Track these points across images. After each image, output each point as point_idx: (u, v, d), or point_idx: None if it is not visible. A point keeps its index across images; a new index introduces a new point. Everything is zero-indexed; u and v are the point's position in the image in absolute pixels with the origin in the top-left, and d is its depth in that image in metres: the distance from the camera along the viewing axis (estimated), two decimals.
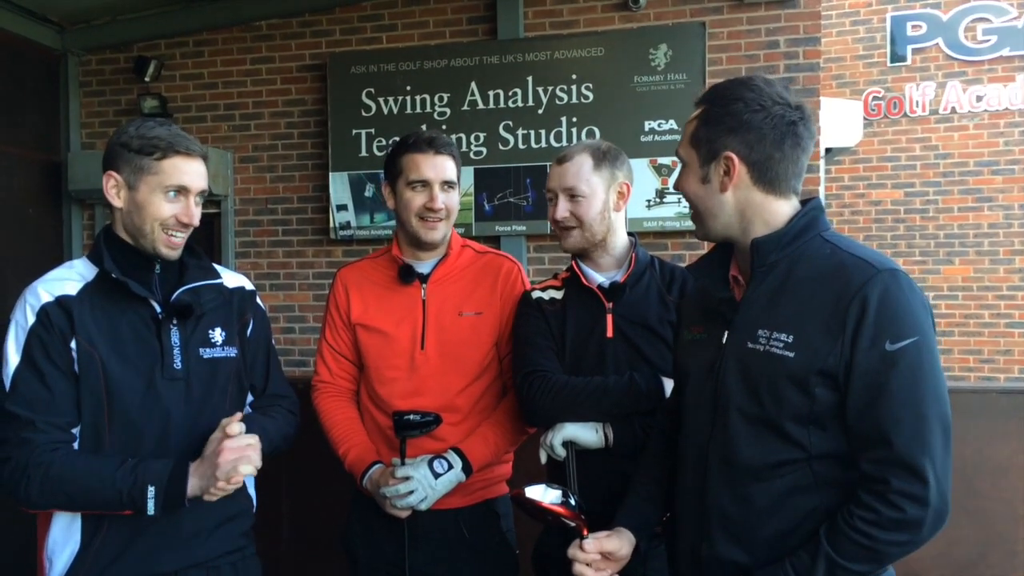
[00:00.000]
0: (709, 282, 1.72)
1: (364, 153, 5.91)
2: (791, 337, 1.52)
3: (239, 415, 1.88)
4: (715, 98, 1.65)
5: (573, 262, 2.28)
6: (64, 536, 1.87)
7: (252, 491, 2.09)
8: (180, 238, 1.96)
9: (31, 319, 1.83)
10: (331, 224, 5.99)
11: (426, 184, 2.24)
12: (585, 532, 1.73)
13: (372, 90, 5.91)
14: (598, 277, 2.22)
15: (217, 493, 1.82)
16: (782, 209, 1.63)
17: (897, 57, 8.30)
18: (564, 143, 5.60)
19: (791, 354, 1.51)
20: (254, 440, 1.85)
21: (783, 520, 1.54)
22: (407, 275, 2.31)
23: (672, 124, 5.46)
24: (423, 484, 2.12)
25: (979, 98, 8.06)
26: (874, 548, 1.46)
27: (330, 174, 5.97)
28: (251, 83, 6.22)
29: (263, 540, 2.21)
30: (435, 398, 2.25)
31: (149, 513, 1.79)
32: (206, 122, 6.29)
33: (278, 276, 6.18)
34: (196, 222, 1.96)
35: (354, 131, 5.93)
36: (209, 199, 5.99)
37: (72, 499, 1.82)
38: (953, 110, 8.14)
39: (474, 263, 2.40)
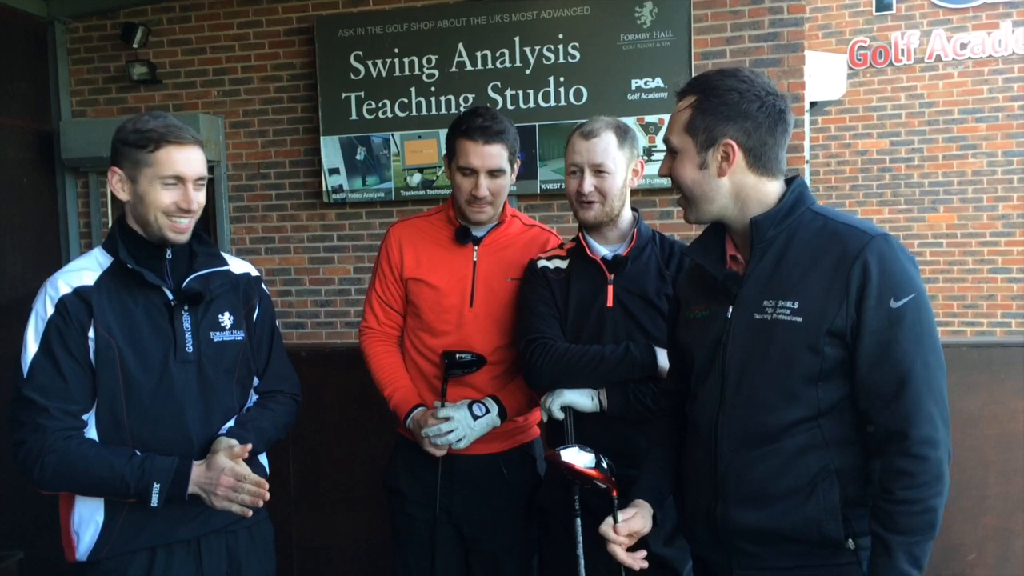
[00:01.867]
0: (708, 263, 1.83)
1: (354, 116, 5.95)
2: (796, 303, 1.66)
3: (249, 447, 1.99)
4: (708, 89, 1.75)
5: (580, 234, 2.39)
6: (89, 512, 2.00)
7: (264, 461, 2.21)
8: (185, 223, 2.05)
9: (50, 310, 1.94)
10: (324, 188, 6.05)
11: (474, 172, 2.34)
12: (615, 493, 1.84)
13: (360, 53, 5.93)
14: (602, 249, 2.34)
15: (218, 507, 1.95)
16: (773, 189, 1.76)
17: (882, 6, 8.31)
18: (552, 103, 5.66)
19: (799, 319, 1.65)
20: (247, 482, 1.94)
21: (794, 478, 1.68)
22: (463, 236, 2.45)
23: (659, 82, 5.51)
24: (463, 424, 2.28)
25: (963, 46, 8.09)
26: (925, 508, 1.62)
27: (321, 138, 6.01)
28: (239, 48, 6.22)
29: (272, 502, 2.34)
30: (478, 352, 2.40)
31: (152, 505, 1.93)
32: (195, 87, 6.30)
33: (273, 240, 6.26)
34: (195, 207, 2.05)
35: (343, 94, 5.96)
36: None
37: (82, 485, 1.96)
38: (938, 58, 8.17)
39: (523, 234, 2.55)
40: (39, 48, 6.40)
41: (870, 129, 8.45)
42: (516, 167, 2.45)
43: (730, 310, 1.75)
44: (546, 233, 2.58)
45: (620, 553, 1.83)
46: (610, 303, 2.28)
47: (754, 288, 1.72)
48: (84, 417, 1.97)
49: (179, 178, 2.01)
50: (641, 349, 2.17)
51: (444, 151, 2.48)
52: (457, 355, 2.32)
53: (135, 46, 6.24)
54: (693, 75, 5.32)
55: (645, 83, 5.54)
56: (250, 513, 1.95)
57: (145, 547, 2.00)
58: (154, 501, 1.92)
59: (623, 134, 2.31)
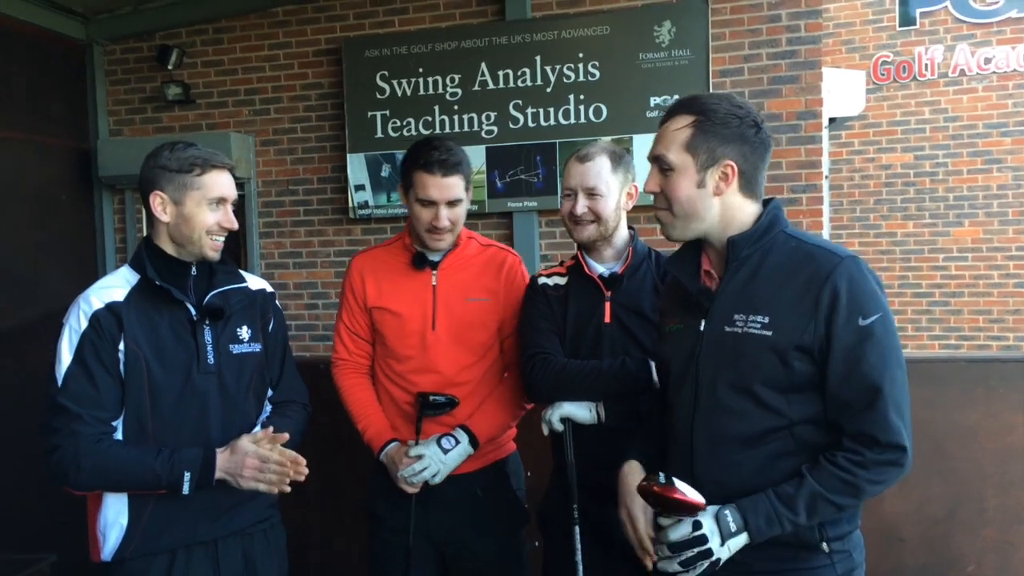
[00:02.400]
0: (684, 276, 1.92)
1: (380, 134, 6.11)
2: (767, 318, 1.75)
3: (270, 431, 2.13)
4: (707, 111, 1.83)
5: (578, 252, 2.48)
6: (114, 515, 2.14)
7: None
8: (221, 242, 2.22)
9: (84, 324, 2.08)
10: (350, 203, 6.21)
11: (433, 203, 2.42)
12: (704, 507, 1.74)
13: (386, 72, 6.09)
14: (599, 267, 2.44)
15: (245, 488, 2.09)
16: (753, 210, 1.86)
17: (906, 21, 8.33)
18: (572, 121, 5.77)
19: (769, 332, 1.74)
20: (271, 462, 2.08)
21: (768, 482, 1.75)
22: (420, 262, 2.53)
23: (677, 99, 5.60)
24: (434, 460, 2.37)
25: (987, 60, 8.08)
26: (855, 484, 1.69)
27: (348, 155, 6.18)
28: (269, 68, 6.42)
29: (291, 508, 2.46)
30: (444, 374, 2.49)
31: (184, 493, 2.06)
32: (227, 107, 6.51)
33: (300, 255, 6.43)
34: (235, 226, 2.22)
35: (369, 113, 6.13)
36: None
37: (117, 482, 2.11)
38: (962, 73, 8.17)
39: (480, 254, 2.61)
40: (78, 70, 6.65)
41: (894, 143, 8.45)
42: (470, 194, 2.52)
43: (703, 323, 1.84)
44: (503, 252, 2.64)
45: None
46: (607, 319, 2.37)
47: (726, 303, 1.81)
48: (113, 424, 2.11)
49: (222, 199, 2.18)
50: (637, 363, 2.26)
51: (401, 181, 2.55)
52: (431, 397, 2.39)
53: (170, 67, 6.47)
54: (711, 92, 5.49)
55: (664, 100, 5.64)
56: (275, 491, 2.08)
57: (166, 549, 2.12)
58: (186, 489, 2.05)
59: (617, 159, 2.39)
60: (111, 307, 2.11)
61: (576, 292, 2.43)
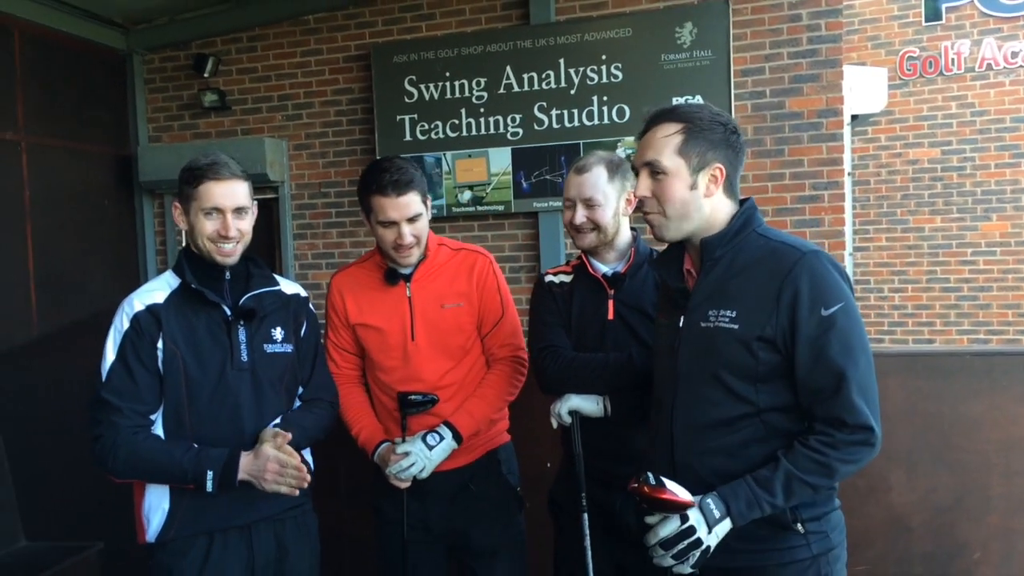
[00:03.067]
0: (667, 275, 2.04)
1: (408, 137, 6.28)
2: (734, 312, 1.86)
3: (289, 436, 2.26)
4: (693, 119, 1.92)
5: (582, 253, 2.60)
6: (157, 501, 2.30)
7: (309, 457, 2.48)
8: (228, 248, 2.31)
9: (126, 325, 2.25)
10: None
11: (394, 223, 2.49)
12: (694, 505, 1.83)
13: (414, 77, 6.25)
14: (603, 267, 2.56)
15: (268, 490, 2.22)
16: (731, 210, 1.96)
17: (932, 16, 8.32)
18: (596, 122, 5.89)
19: (736, 326, 1.85)
20: (289, 471, 2.22)
21: (741, 466, 1.85)
22: (392, 277, 2.62)
23: (699, 99, 5.68)
24: (420, 456, 2.49)
25: (1014, 54, 8.04)
26: (828, 464, 1.79)
27: (378, 158, 6.33)
28: (301, 74, 6.62)
29: (323, 498, 2.61)
30: (428, 380, 2.60)
31: (208, 490, 2.21)
32: (261, 113, 6.72)
33: (333, 255, 6.62)
34: (234, 233, 2.29)
35: (398, 117, 6.30)
36: (267, 185, 6.46)
37: (148, 473, 2.26)
38: (989, 67, 8.14)
39: (451, 260, 2.69)
40: (118, 79, 6.90)
41: (921, 138, 8.44)
42: (428, 205, 2.59)
43: (682, 319, 1.96)
44: (475, 254, 2.72)
45: None
46: (611, 316, 2.49)
47: (701, 300, 1.92)
48: (151, 417, 2.27)
49: (218, 209, 2.28)
50: (642, 357, 2.37)
51: (361, 207, 2.61)
52: (409, 396, 2.49)
53: (206, 75, 6.69)
54: (733, 92, 5.58)
55: (686, 100, 5.71)
56: (296, 493, 2.23)
57: (204, 531, 2.27)
58: (209, 487, 2.20)
59: (614, 168, 2.48)
60: (151, 309, 2.27)
61: (581, 290, 2.55)
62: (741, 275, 1.89)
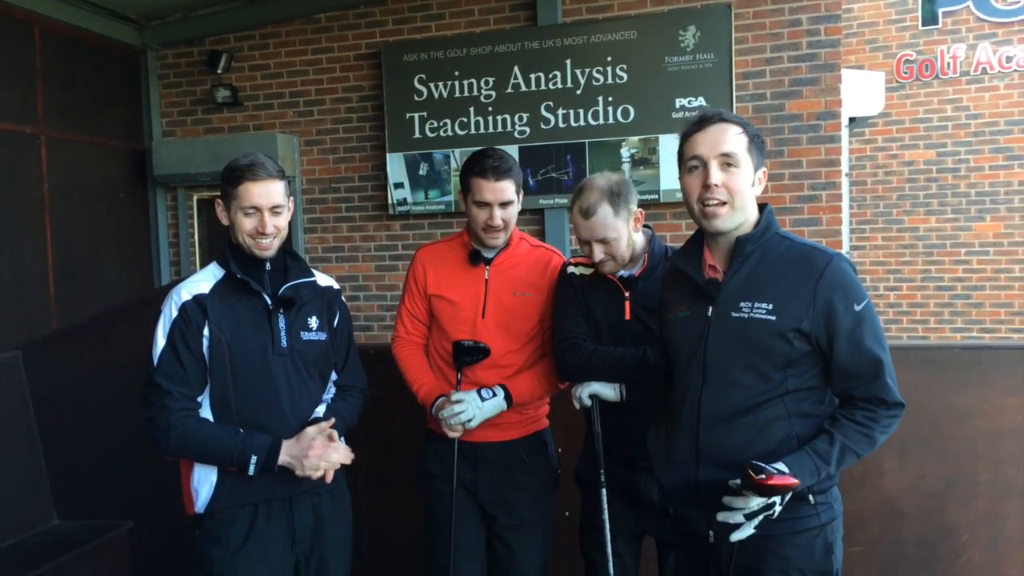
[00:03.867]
0: (691, 270, 2.21)
1: (418, 135, 6.44)
2: (771, 305, 2.04)
3: (332, 421, 2.47)
4: (748, 126, 2.15)
5: None
6: (205, 474, 2.46)
7: (342, 439, 2.65)
8: (267, 242, 2.48)
9: (175, 313, 2.42)
10: (389, 200, 6.54)
11: (488, 205, 2.72)
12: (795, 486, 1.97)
13: (423, 76, 6.40)
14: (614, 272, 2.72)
15: (304, 474, 2.39)
16: (757, 211, 2.14)
17: (928, 20, 8.49)
18: (601, 122, 6.05)
19: (773, 317, 2.03)
20: (340, 444, 2.43)
21: (764, 444, 2.04)
22: (475, 259, 2.84)
23: (702, 101, 5.87)
24: (472, 405, 2.68)
25: (1009, 58, 8.22)
26: (872, 436, 2.03)
27: (387, 154, 6.51)
28: (313, 72, 6.76)
29: (346, 475, 2.79)
30: (491, 357, 2.78)
31: (250, 474, 2.37)
32: (273, 109, 6.86)
33: (343, 249, 6.77)
34: (271, 230, 2.46)
35: (408, 114, 6.45)
36: None
37: (196, 454, 2.43)
38: (983, 71, 8.31)
39: (530, 254, 2.91)
40: (133, 74, 7.05)
41: (917, 140, 8.62)
42: (521, 196, 2.81)
43: (710, 310, 2.13)
44: (550, 253, 2.95)
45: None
46: (628, 316, 2.67)
47: (732, 292, 2.10)
48: (198, 399, 2.44)
49: (256, 208, 2.45)
50: (656, 355, 2.53)
51: (460, 188, 2.85)
52: (463, 343, 2.70)
53: (219, 71, 6.84)
54: (735, 95, 5.75)
55: (688, 102, 5.90)
56: (331, 477, 2.41)
57: (249, 503, 2.44)
58: (251, 471, 2.37)
59: (616, 200, 2.59)
60: (197, 299, 2.43)
61: (600, 287, 2.71)
62: (773, 272, 2.08)
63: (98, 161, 6.59)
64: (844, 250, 6.11)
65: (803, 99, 5.79)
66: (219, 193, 2.54)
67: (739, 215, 2.11)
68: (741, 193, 2.10)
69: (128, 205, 6.91)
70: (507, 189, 2.73)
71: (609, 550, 2.59)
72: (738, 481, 1.97)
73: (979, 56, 8.31)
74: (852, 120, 6.85)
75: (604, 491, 2.61)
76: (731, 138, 2.10)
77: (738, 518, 1.96)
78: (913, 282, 8.75)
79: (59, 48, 6.16)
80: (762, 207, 2.17)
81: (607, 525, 2.58)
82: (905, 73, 8.55)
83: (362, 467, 3.62)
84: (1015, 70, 8.21)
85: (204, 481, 2.45)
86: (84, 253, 6.33)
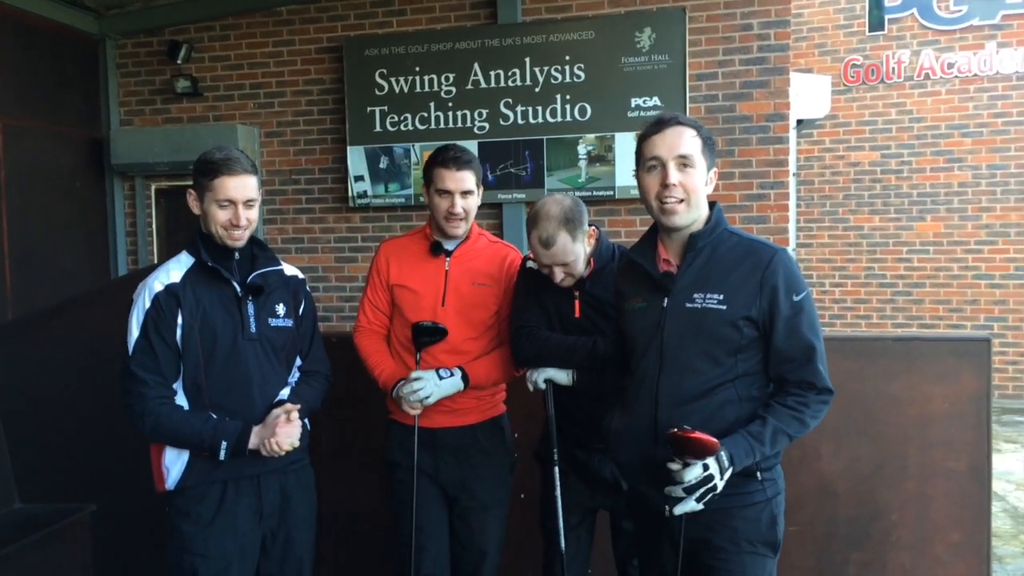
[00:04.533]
0: (647, 264, 2.36)
1: (378, 128, 6.53)
2: (722, 296, 2.20)
3: (299, 407, 2.57)
4: (702, 129, 2.29)
5: None
6: (176, 454, 2.55)
7: (307, 421, 2.76)
8: (238, 233, 2.57)
9: (148, 303, 2.50)
10: (349, 193, 6.63)
11: (449, 193, 2.85)
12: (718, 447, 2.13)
13: (384, 70, 6.50)
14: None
15: (270, 453, 2.50)
16: (707, 209, 2.30)
17: (875, 26, 8.77)
18: (559, 119, 6.20)
19: (724, 307, 2.20)
20: (298, 425, 2.55)
21: (717, 425, 2.17)
22: (436, 249, 2.97)
23: (656, 100, 6.05)
24: (430, 382, 2.80)
25: (950, 65, 8.54)
26: (802, 419, 2.18)
27: (348, 147, 6.59)
28: (274, 64, 6.81)
29: (310, 456, 2.90)
30: (451, 342, 2.91)
31: (220, 458, 2.47)
32: (233, 100, 6.89)
33: (303, 240, 6.84)
34: (244, 222, 2.56)
35: (369, 108, 6.54)
36: None
37: (171, 440, 2.52)
38: (927, 76, 8.62)
39: (487, 248, 3.05)
40: (91, 63, 7.03)
41: (862, 142, 8.92)
42: (480, 191, 2.95)
43: (666, 301, 2.28)
44: (507, 248, 3.10)
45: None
46: (577, 314, 2.82)
47: (686, 284, 2.25)
48: (173, 386, 2.53)
49: (231, 201, 2.54)
50: (606, 344, 2.69)
51: (424, 181, 2.97)
52: (422, 324, 2.83)
53: (179, 62, 6.85)
54: (688, 95, 5.93)
55: (644, 101, 6.08)
56: (298, 443, 2.53)
57: (218, 480, 2.53)
58: (222, 456, 2.48)
59: (572, 227, 2.70)
60: (170, 288, 2.52)
61: (554, 285, 2.84)
62: (723, 265, 2.24)
63: (55, 149, 6.57)
64: (791, 247, 6.34)
65: (753, 101, 5.99)
66: (177, 183, 2.62)
67: (694, 212, 2.26)
68: (696, 192, 2.25)
69: (85, 193, 6.90)
70: (467, 179, 2.86)
71: (560, 522, 2.75)
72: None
73: (923, 62, 8.62)
74: (800, 122, 7.08)
75: (556, 468, 2.75)
76: (688, 140, 2.24)
77: (678, 492, 2.09)
78: (857, 279, 9.06)
79: (17, 36, 6.14)
80: (712, 204, 2.33)
81: (559, 501, 2.73)
82: (852, 77, 8.83)
83: (325, 449, 3.73)
84: (956, 76, 8.53)
85: (176, 460, 2.54)
86: (41, 241, 6.31)
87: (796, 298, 2.19)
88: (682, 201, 2.24)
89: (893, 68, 8.71)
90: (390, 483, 3.03)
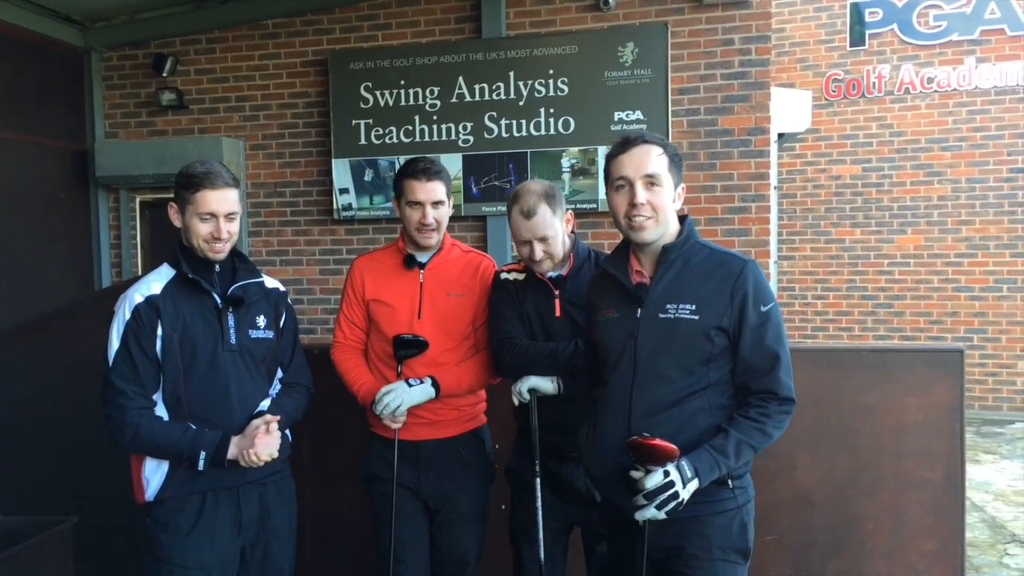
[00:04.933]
0: (620, 275, 2.40)
1: (363, 141, 6.56)
2: (694, 306, 2.26)
3: (278, 418, 2.59)
4: (669, 147, 2.36)
5: None
6: (156, 464, 2.57)
7: (288, 432, 2.78)
8: (220, 246, 2.60)
9: (128, 315, 2.52)
10: (334, 205, 6.65)
11: (420, 204, 2.90)
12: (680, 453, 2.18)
13: (370, 84, 6.54)
14: (548, 271, 2.90)
15: (249, 464, 2.52)
16: (678, 223, 2.35)
17: (856, 41, 8.89)
18: (543, 132, 6.25)
19: (696, 317, 2.25)
20: (277, 436, 2.56)
21: (689, 434, 2.23)
22: (410, 262, 3.00)
23: (639, 114, 6.11)
24: (399, 391, 2.83)
25: (930, 80, 8.66)
26: (764, 430, 2.22)
27: (333, 160, 6.62)
28: (259, 77, 6.84)
29: (291, 468, 2.91)
30: (428, 355, 2.94)
31: (199, 468, 2.49)
32: (219, 113, 6.91)
33: (287, 252, 6.85)
34: (225, 235, 2.59)
35: (354, 121, 6.57)
36: None
37: (150, 450, 2.54)
38: (907, 91, 8.74)
39: (461, 259, 3.09)
40: (76, 75, 7.03)
41: (844, 156, 9.02)
42: (450, 202, 3.00)
43: (639, 311, 2.32)
44: (480, 257, 3.14)
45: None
46: (558, 313, 2.85)
47: (658, 295, 2.30)
48: (153, 397, 2.55)
49: (212, 214, 2.57)
50: (587, 346, 2.72)
51: (393, 194, 3.04)
52: (403, 337, 2.86)
53: (164, 74, 6.87)
54: (670, 109, 5.99)
55: (627, 115, 6.14)
56: (276, 454, 2.54)
57: (198, 491, 2.55)
58: (200, 466, 2.50)
59: (552, 201, 2.79)
60: (150, 300, 2.54)
61: (531, 289, 2.89)
62: (694, 276, 2.29)
63: (39, 161, 6.58)
64: (772, 259, 6.40)
65: (735, 115, 6.05)
66: (162, 196, 2.65)
67: (662, 228, 2.32)
68: (664, 209, 2.30)
69: (70, 206, 6.90)
70: (438, 189, 2.91)
71: (541, 537, 2.76)
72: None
73: (903, 76, 8.73)
74: (781, 136, 7.16)
75: (538, 480, 2.77)
76: (654, 159, 2.30)
77: (640, 500, 2.13)
78: (839, 291, 9.14)
79: (1, 48, 6.15)
80: (683, 218, 2.37)
81: (540, 513, 2.75)
82: (833, 91, 8.94)
83: (306, 461, 3.75)
84: (936, 91, 8.65)
85: (156, 471, 2.56)
86: (25, 253, 6.31)
87: (763, 308, 2.25)
88: (650, 218, 2.30)
89: (874, 83, 8.82)
90: (369, 496, 3.05)
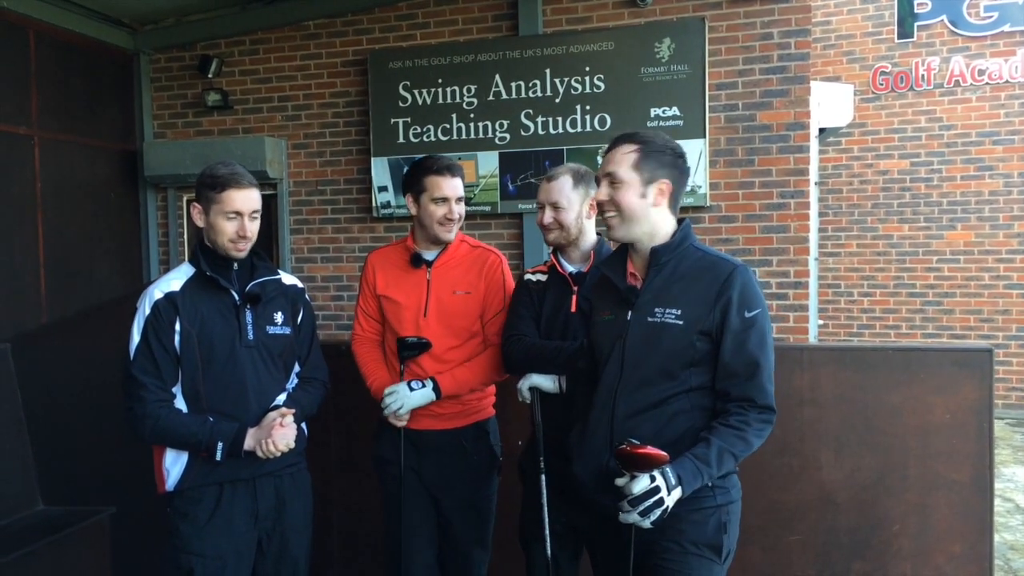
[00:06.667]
0: (615, 277, 2.41)
1: (402, 139, 6.64)
2: (679, 311, 2.25)
3: (293, 411, 2.66)
4: (647, 143, 2.32)
5: (552, 255, 2.98)
6: (176, 456, 2.66)
7: (304, 426, 2.84)
8: (243, 245, 2.69)
9: (148, 311, 2.62)
10: (373, 203, 6.74)
11: (446, 200, 2.96)
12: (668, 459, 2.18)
13: (408, 83, 6.61)
14: (569, 267, 2.93)
15: (266, 454, 2.59)
16: (672, 224, 2.34)
17: (904, 33, 8.71)
18: (579, 129, 6.26)
19: (681, 322, 2.24)
20: (293, 427, 2.64)
21: (669, 435, 2.23)
22: (416, 261, 3.06)
23: (675, 111, 6.08)
24: (400, 394, 2.91)
25: (981, 72, 8.44)
26: (745, 437, 2.20)
27: (372, 159, 6.71)
28: (301, 77, 6.97)
29: (316, 464, 2.97)
30: (435, 353, 3.00)
31: (217, 459, 2.58)
32: (262, 113, 7.06)
33: (328, 250, 6.97)
34: (250, 234, 2.68)
35: (392, 120, 6.65)
36: (266, 182, 6.81)
37: (170, 441, 2.63)
38: (957, 83, 8.53)
39: (468, 255, 3.12)
40: (126, 77, 7.24)
41: (891, 150, 8.84)
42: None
43: (629, 314, 2.33)
44: (488, 252, 3.15)
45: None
46: (573, 309, 2.87)
47: (648, 299, 2.30)
48: (172, 390, 2.64)
49: (238, 213, 2.66)
50: (590, 346, 2.74)
51: (406, 191, 3.07)
52: (407, 339, 2.94)
53: (210, 76, 7.04)
54: (708, 105, 5.95)
55: (663, 111, 6.11)
56: (293, 445, 2.62)
57: (215, 482, 2.64)
58: (218, 456, 2.58)
59: (579, 177, 2.87)
60: (169, 296, 2.63)
61: (552, 287, 2.92)
62: (683, 280, 2.28)
63: (90, 161, 6.78)
64: (812, 256, 6.31)
65: (773, 110, 5.99)
66: None
67: (633, 227, 2.31)
68: (627, 206, 2.29)
69: (119, 204, 7.10)
70: (460, 185, 3.01)
71: (547, 530, 2.78)
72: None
73: (952, 69, 8.53)
74: (822, 131, 7.04)
75: (543, 477, 2.79)
76: (617, 158, 2.31)
77: (626, 506, 2.12)
78: (886, 288, 8.97)
79: (53, 51, 6.35)
80: (680, 220, 2.36)
81: (545, 508, 2.77)
82: (881, 84, 8.76)
83: (334, 454, 3.83)
84: (987, 83, 8.43)
85: (176, 462, 2.65)
86: (75, 250, 6.51)
87: (748, 314, 2.21)
88: (614, 216, 2.32)
89: (923, 75, 8.63)
90: (379, 479, 3.11)
